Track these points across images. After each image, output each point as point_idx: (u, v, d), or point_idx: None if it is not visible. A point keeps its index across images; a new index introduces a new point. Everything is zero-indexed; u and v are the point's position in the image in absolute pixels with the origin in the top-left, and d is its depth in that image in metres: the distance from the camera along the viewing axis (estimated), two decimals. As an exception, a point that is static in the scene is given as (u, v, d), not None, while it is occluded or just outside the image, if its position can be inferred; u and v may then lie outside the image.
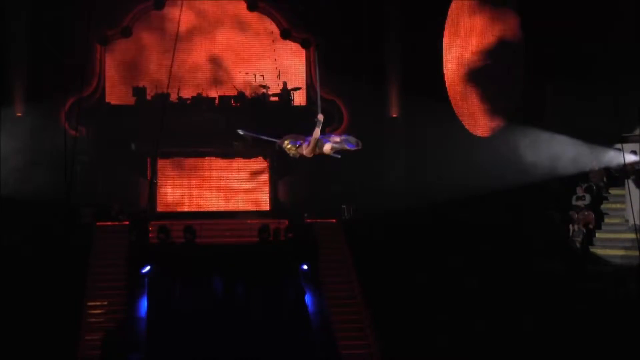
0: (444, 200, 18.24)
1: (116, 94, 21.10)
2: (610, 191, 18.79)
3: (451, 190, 18.51)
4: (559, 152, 18.71)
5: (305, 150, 9.29)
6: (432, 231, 18.13)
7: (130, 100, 20.88)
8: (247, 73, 21.00)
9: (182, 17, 17.61)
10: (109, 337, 15.42)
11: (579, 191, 18.72)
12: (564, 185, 18.98)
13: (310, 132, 9.11)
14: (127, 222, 18.92)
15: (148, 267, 17.10)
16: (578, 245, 17.73)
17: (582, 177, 18.95)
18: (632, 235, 15.69)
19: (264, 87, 21.21)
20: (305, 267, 17.59)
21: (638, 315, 14.54)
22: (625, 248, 17.06)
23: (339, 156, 9.65)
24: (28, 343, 14.83)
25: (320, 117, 9.13)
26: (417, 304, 16.11)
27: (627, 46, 17.35)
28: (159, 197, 20.84)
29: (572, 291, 15.91)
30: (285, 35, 21.57)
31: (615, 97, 14.13)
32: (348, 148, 9.40)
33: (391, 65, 21.30)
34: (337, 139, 9.38)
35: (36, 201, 17.79)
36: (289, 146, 9.41)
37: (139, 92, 20.75)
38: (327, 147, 9.31)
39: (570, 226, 18.15)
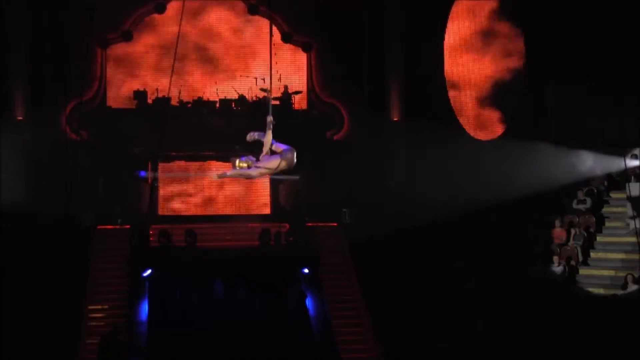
0: (444, 204, 18.23)
1: (117, 97, 21.09)
2: (611, 195, 18.78)
3: (452, 194, 18.50)
4: (561, 158, 18.73)
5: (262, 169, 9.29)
6: (432, 235, 18.13)
7: (131, 104, 20.86)
8: (247, 77, 20.96)
9: (182, 21, 17.66)
10: (105, 341, 15.41)
11: (580, 195, 18.71)
12: (564, 189, 18.98)
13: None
14: (128, 226, 18.93)
15: (149, 271, 17.11)
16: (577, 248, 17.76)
17: (583, 181, 18.94)
18: (633, 239, 15.69)
19: (265, 90, 21.18)
20: (306, 270, 17.60)
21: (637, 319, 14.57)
22: (626, 252, 17.06)
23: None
24: (29, 347, 14.85)
25: (270, 118, 9.26)
26: (417, 308, 16.11)
27: (629, 47, 17.36)
28: (159, 201, 20.82)
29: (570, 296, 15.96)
30: (286, 38, 21.55)
31: (617, 100, 14.17)
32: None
33: (392, 68, 21.25)
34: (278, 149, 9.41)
35: (37, 205, 17.80)
36: (242, 164, 9.43)
37: (139, 95, 20.74)
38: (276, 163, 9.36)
39: (572, 230, 18.16)
